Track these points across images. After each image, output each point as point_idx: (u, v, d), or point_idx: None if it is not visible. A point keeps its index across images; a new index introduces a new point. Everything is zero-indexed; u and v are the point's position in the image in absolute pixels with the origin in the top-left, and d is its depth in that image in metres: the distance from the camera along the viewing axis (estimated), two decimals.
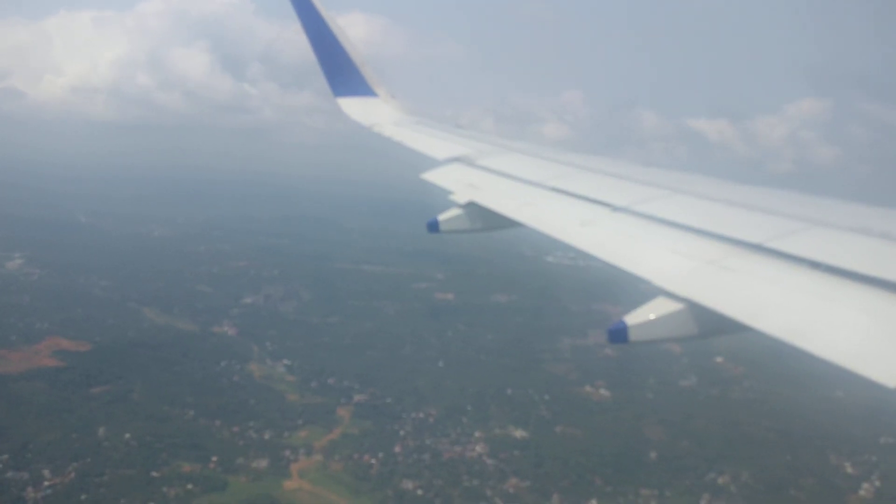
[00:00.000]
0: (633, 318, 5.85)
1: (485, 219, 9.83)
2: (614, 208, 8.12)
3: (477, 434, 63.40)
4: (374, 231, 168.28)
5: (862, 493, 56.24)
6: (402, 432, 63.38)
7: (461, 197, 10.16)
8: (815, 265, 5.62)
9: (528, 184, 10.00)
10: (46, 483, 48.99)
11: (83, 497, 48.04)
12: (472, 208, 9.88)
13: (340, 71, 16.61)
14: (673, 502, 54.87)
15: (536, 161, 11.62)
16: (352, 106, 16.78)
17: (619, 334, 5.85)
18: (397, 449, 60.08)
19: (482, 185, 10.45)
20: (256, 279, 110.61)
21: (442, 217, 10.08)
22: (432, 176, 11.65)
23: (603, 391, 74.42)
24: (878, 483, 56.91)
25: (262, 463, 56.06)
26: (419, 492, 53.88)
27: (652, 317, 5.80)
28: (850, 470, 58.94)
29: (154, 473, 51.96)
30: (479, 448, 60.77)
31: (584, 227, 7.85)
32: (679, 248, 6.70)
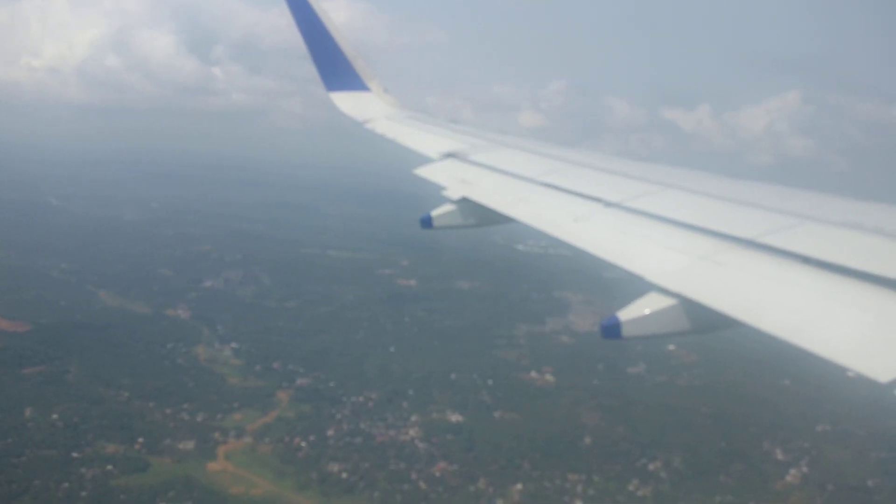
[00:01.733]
0: (627, 314, 5.78)
1: (478, 215, 9.84)
2: (607, 204, 8.13)
3: (413, 418, 63.28)
4: (353, 218, 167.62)
5: (788, 478, 56.27)
6: (338, 416, 63.24)
7: (454, 193, 10.13)
8: (807, 260, 5.59)
9: (522, 179, 10.01)
10: None
11: None
12: (466, 204, 9.88)
13: (333, 65, 16.63)
14: (600, 487, 54.80)
15: (529, 156, 11.60)
16: (345, 101, 16.83)
17: (612, 330, 5.78)
18: (330, 432, 59.96)
19: (475, 181, 10.48)
20: (219, 263, 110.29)
21: (435, 213, 10.03)
22: (425, 171, 11.60)
23: (549, 377, 74.33)
24: (805, 469, 56.98)
25: (189, 445, 55.92)
26: (343, 475, 53.81)
27: (645, 312, 5.76)
28: (780, 456, 58.99)
29: (75, 454, 51.76)
30: (412, 432, 60.66)
31: (578, 223, 7.89)
32: (671, 243, 6.71)
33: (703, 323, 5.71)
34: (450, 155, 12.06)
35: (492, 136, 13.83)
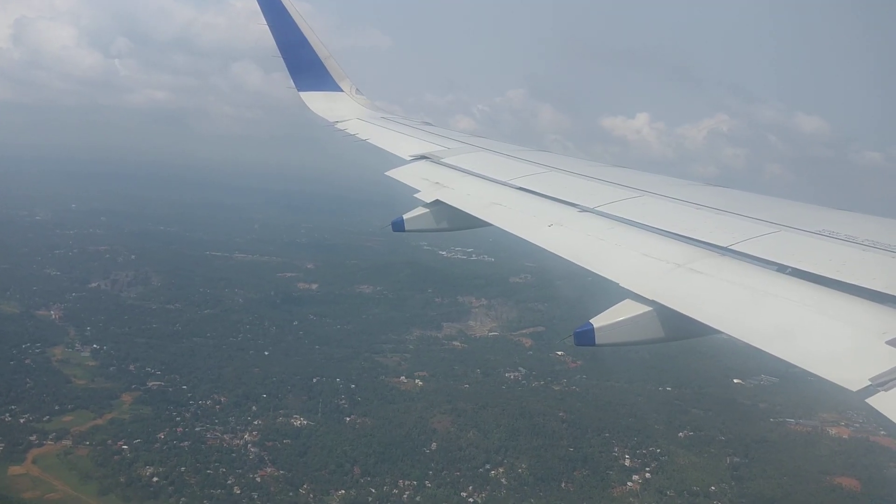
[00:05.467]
0: (600, 321, 5.66)
1: (451, 218, 9.65)
2: (582, 209, 8.05)
3: (257, 422, 60.60)
4: (279, 223, 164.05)
5: (630, 484, 54.54)
6: (178, 419, 60.31)
7: (427, 195, 9.93)
8: (783, 268, 5.60)
9: (496, 183, 9.87)
10: None
11: None
12: (438, 207, 9.66)
13: (304, 65, 16.33)
14: (429, 494, 52.54)
15: (504, 160, 11.52)
16: (315, 101, 16.60)
17: (585, 336, 5.64)
18: (161, 436, 56.96)
19: (448, 184, 10.28)
20: (111, 264, 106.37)
21: (407, 216, 9.74)
22: (397, 173, 11.35)
23: (418, 381, 72.03)
24: (648, 475, 55.30)
25: None
26: (155, 479, 50.85)
27: (619, 319, 5.67)
28: (627, 462, 57.24)
29: None
30: (248, 436, 57.92)
31: (552, 228, 7.77)
32: (647, 250, 6.63)
33: (677, 331, 5.66)
34: (423, 157, 11.83)
35: (465, 138, 13.67)
